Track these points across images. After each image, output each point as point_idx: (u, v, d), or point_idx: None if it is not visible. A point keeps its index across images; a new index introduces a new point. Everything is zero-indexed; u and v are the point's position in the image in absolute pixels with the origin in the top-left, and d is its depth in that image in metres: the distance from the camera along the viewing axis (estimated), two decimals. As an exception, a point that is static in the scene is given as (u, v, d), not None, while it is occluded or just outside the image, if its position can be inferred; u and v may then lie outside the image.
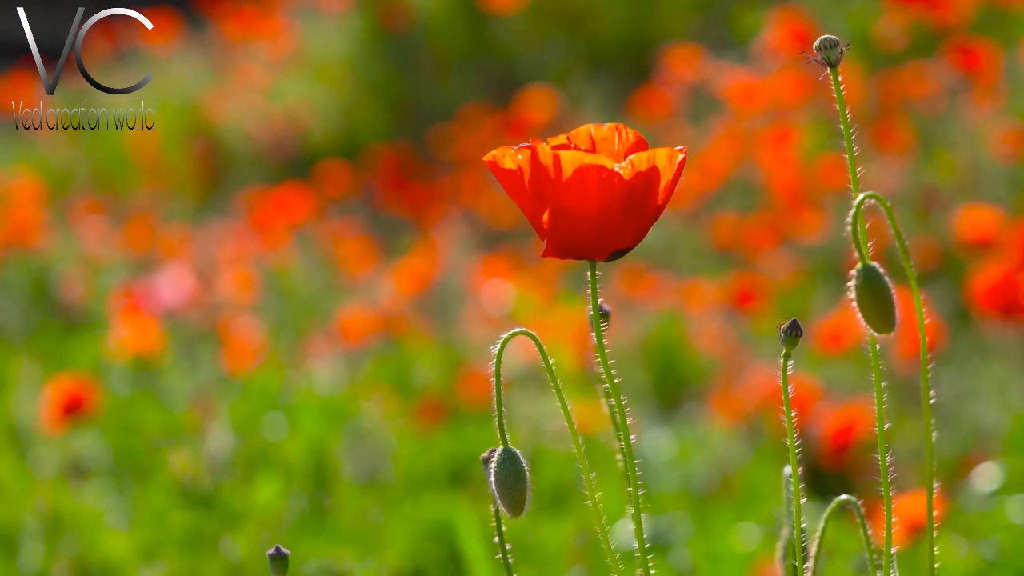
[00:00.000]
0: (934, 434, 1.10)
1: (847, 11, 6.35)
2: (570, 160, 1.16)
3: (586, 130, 1.21)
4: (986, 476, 2.85)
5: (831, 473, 3.31)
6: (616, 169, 1.16)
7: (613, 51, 7.69)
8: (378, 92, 7.91)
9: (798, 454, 1.20)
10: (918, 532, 2.36)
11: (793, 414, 1.21)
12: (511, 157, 1.19)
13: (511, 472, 1.21)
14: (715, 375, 4.23)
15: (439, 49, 7.92)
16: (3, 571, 2.72)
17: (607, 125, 1.21)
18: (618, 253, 1.20)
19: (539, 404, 3.63)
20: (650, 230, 1.21)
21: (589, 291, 1.20)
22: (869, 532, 1.25)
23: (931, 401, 1.14)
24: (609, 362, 1.22)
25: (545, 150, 1.17)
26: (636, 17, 7.75)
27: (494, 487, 1.21)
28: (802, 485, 1.17)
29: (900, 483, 3.20)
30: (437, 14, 7.96)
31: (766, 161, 5.30)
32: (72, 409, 3.01)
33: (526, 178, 1.18)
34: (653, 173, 1.17)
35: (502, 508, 1.21)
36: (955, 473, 3.22)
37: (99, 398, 3.12)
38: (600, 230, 1.17)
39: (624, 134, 1.21)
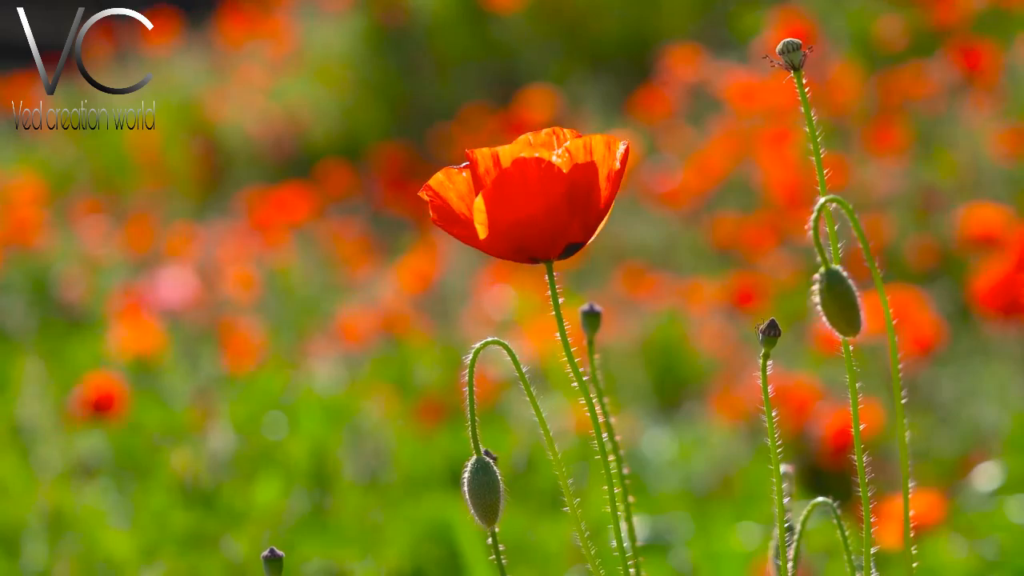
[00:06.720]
0: (907, 433, 1.11)
1: (847, 11, 6.35)
2: (509, 153, 1.21)
3: (524, 139, 1.25)
4: (986, 476, 2.85)
5: (831, 473, 3.32)
6: (553, 158, 1.20)
7: (613, 51, 7.70)
8: (378, 92, 7.91)
9: (779, 454, 1.21)
10: (917, 532, 2.36)
11: (775, 414, 1.22)
12: (448, 176, 1.22)
13: (483, 482, 1.22)
14: (715, 375, 4.23)
15: (439, 49, 7.92)
16: (5, 570, 2.72)
17: (544, 131, 1.25)
18: (570, 248, 1.23)
19: (539, 404, 3.63)
20: (602, 225, 1.23)
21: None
22: (847, 533, 1.26)
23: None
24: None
25: (483, 152, 1.21)
26: (636, 17, 7.75)
27: (467, 496, 1.22)
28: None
29: (899, 482, 3.20)
30: (437, 14, 7.96)
31: (765, 161, 5.30)
32: (102, 407, 3.00)
33: (467, 197, 1.22)
34: (592, 161, 1.21)
35: (475, 517, 1.22)
36: (955, 473, 3.23)
37: (127, 398, 3.11)
38: (547, 223, 1.20)
39: (561, 135, 1.24)
